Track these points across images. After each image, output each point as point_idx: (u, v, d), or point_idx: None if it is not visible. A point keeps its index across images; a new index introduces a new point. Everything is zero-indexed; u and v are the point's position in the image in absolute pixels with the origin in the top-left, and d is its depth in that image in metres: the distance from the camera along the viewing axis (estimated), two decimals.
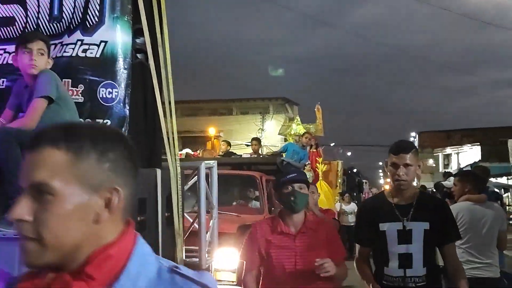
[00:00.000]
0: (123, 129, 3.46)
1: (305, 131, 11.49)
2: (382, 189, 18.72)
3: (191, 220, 4.44)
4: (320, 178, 12.51)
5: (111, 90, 3.52)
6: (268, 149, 21.59)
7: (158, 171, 3.61)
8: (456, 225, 3.31)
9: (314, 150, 13.21)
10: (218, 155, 9.55)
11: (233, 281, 5.10)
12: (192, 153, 8.02)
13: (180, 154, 7.89)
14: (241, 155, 9.27)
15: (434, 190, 11.08)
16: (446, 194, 6.56)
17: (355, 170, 36.35)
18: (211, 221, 4.60)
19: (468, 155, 33.56)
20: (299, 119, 12.50)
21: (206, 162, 4.55)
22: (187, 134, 28.07)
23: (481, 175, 4.90)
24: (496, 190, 9.97)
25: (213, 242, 4.43)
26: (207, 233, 4.38)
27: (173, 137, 3.94)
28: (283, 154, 9.78)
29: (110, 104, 3.51)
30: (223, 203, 5.96)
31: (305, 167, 13.20)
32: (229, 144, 10.69)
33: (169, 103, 3.86)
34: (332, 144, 15.63)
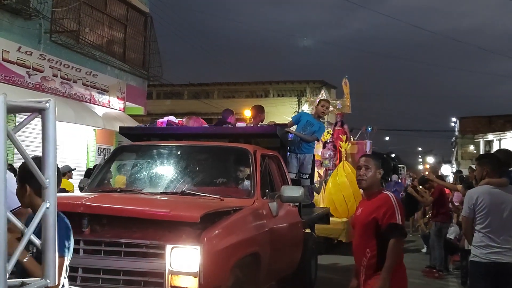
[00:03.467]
0: None
1: (323, 98, 8.93)
2: (422, 175, 17.78)
3: None
4: (344, 158, 11.68)
5: None
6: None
7: None
8: None
9: (340, 128, 12.50)
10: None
11: None
12: (177, 120, 6.76)
13: (161, 122, 6.70)
14: (233, 125, 7.23)
15: (465, 175, 10.81)
16: (474, 177, 6.48)
17: (392, 155, 36.04)
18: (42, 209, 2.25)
19: (511, 141, 32.56)
20: (324, 93, 11.36)
21: (29, 100, 2.01)
22: None
23: (502, 158, 4.81)
24: None
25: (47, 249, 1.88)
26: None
27: None
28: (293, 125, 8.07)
29: None
30: (204, 182, 5.32)
31: (327, 145, 12.17)
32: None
33: None
34: (369, 128, 15.18)
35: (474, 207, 4.40)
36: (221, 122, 7.35)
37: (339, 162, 11.74)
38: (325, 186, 11.41)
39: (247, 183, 5.32)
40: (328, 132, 12.66)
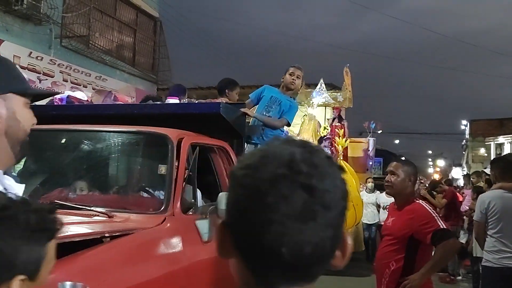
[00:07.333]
0: None
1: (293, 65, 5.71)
2: (432, 179, 17.39)
3: None
4: (340, 157, 10.15)
5: None
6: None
7: None
8: None
9: (338, 124, 11.01)
10: None
11: None
12: (86, 98, 4.94)
13: (60, 99, 4.76)
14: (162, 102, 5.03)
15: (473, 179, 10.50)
16: (488, 181, 6.43)
17: (403, 158, 35.88)
18: None
19: None
20: (323, 85, 9.95)
21: None
22: None
23: None
24: None
25: None
26: None
27: None
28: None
29: None
30: (93, 187, 3.53)
31: (323, 141, 10.44)
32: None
33: None
34: (379, 132, 14.79)
35: (486, 211, 4.36)
36: (147, 99, 5.14)
37: None
38: None
39: (160, 189, 3.41)
40: (325, 128, 11.80)
